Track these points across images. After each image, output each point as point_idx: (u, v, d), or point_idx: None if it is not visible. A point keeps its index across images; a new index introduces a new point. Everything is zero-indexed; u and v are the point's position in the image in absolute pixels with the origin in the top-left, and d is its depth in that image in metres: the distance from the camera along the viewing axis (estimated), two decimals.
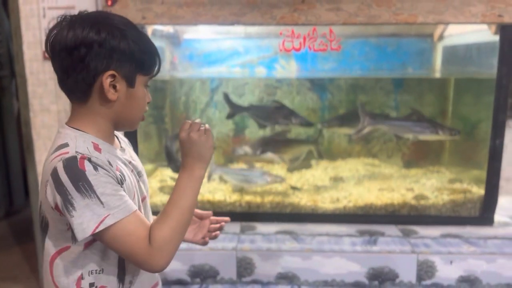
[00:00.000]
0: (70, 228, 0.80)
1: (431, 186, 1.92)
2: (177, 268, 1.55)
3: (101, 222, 0.77)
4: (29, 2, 2.30)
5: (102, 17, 0.90)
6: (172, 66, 2.08)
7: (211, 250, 1.56)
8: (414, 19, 1.59)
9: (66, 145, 0.83)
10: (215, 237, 1.14)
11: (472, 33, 1.86)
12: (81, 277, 0.85)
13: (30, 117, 2.45)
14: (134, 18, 1.61)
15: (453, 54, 2.04)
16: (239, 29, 1.94)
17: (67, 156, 0.80)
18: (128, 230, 0.80)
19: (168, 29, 1.99)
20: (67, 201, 0.78)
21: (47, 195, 0.80)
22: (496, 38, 1.62)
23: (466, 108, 1.93)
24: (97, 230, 0.77)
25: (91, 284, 0.86)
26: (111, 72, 0.84)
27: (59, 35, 0.85)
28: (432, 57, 2.12)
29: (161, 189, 1.91)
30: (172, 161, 1.94)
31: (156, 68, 0.95)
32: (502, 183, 2.30)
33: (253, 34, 2.02)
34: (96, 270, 0.86)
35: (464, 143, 1.95)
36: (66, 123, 0.89)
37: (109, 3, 2.21)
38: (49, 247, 0.86)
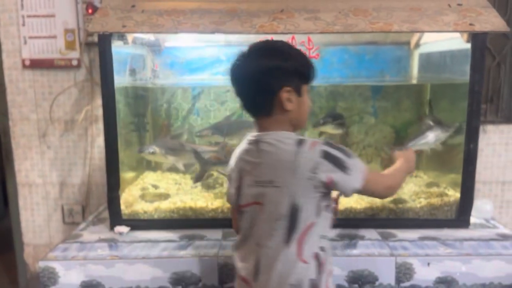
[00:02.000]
0: (324, 200, 1.12)
1: (409, 190, 1.96)
2: (158, 275, 1.55)
3: (364, 173, 1.13)
4: (8, 10, 2.29)
5: (269, 46, 1.19)
6: (153, 73, 2.09)
7: (192, 257, 1.56)
8: (389, 28, 1.63)
9: (302, 138, 1.11)
10: None
11: (446, 41, 1.93)
12: (318, 244, 1.14)
13: (9, 126, 2.42)
14: (114, 26, 1.61)
15: (429, 61, 2.11)
16: (220, 37, 1.97)
17: (318, 140, 1.11)
18: (373, 176, 1.18)
19: (149, 37, 2.00)
20: (344, 168, 1.09)
21: (318, 175, 1.07)
22: (468, 46, 1.67)
23: (442, 113, 1.98)
24: (364, 180, 1.12)
25: (322, 248, 1.15)
26: (286, 88, 1.11)
27: (243, 67, 1.17)
28: (409, 64, 2.19)
29: (142, 197, 1.91)
30: (202, 162, 1.97)
31: (313, 76, 1.19)
32: (479, 186, 2.38)
33: (235, 42, 2.04)
34: (324, 235, 1.17)
35: (441, 147, 2.00)
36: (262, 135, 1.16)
37: (90, 11, 2.22)
38: (298, 230, 1.11)
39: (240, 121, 2.15)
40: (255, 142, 1.16)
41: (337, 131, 2.06)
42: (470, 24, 1.65)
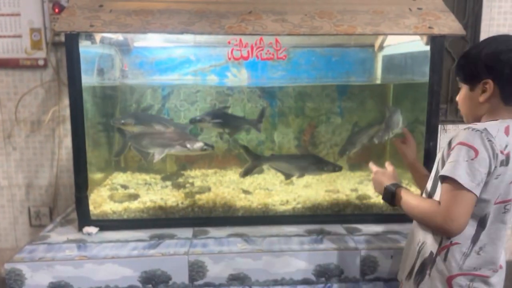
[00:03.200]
0: None
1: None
2: (128, 274, 1.55)
3: None
4: None
5: None
6: (122, 73, 2.09)
7: (163, 256, 1.57)
8: (353, 30, 1.69)
9: None
10: None
11: (407, 43, 2.01)
12: None
13: None
14: (82, 26, 1.61)
15: (392, 63, 2.19)
16: (189, 37, 1.99)
17: None
18: None
19: (118, 36, 1.99)
20: None
21: None
22: (428, 48, 1.75)
23: (404, 112, 2.06)
24: None
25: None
26: None
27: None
28: (373, 66, 2.27)
29: (111, 197, 1.90)
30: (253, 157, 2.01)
31: None
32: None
33: (204, 43, 2.06)
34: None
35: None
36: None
37: (56, 10, 2.20)
38: None
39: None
40: None
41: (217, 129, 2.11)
42: (429, 27, 1.73)
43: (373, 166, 1.46)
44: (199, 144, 1.90)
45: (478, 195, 1.10)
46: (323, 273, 1.60)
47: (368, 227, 1.78)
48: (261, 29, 1.68)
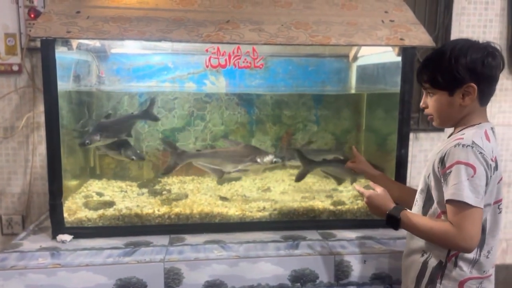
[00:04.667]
0: None
1: (347, 193, 2.08)
2: (102, 282, 1.53)
3: None
4: None
5: None
6: (99, 80, 2.08)
7: (138, 263, 1.56)
8: (327, 41, 1.74)
9: None
10: None
11: (380, 54, 2.08)
12: None
13: None
14: (58, 31, 1.60)
15: (365, 73, 2.26)
16: (168, 45, 2.00)
17: None
18: None
19: (95, 43, 1.99)
20: None
21: None
22: (399, 59, 1.82)
23: (377, 121, 2.12)
24: None
25: None
26: None
27: None
28: (348, 76, 2.33)
29: (86, 205, 1.88)
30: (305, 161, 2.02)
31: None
32: None
33: (182, 51, 2.08)
34: None
35: (376, 153, 2.14)
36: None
37: (32, 16, 2.18)
38: None
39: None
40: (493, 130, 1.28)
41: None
42: (401, 39, 1.79)
43: (360, 189, 1.46)
44: (269, 158, 1.93)
45: (483, 207, 1.18)
46: (298, 278, 1.62)
47: (343, 232, 1.82)
48: (238, 38, 1.71)
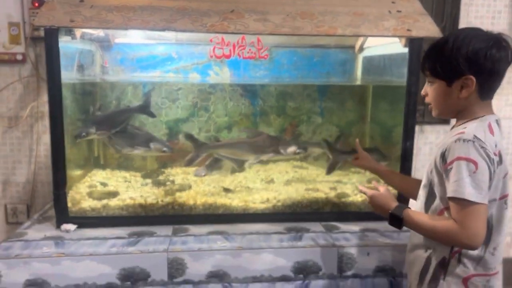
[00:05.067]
0: None
1: (351, 185, 2.07)
2: (106, 272, 1.54)
3: None
4: None
5: None
6: (102, 70, 2.07)
7: (141, 253, 1.57)
8: (333, 31, 1.72)
9: None
10: None
11: (387, 45, 2.05)
12: None
13: None
14: (62, 21, 1.59)
15: (371, 64, 2.23)
16: (171, 35, 1.98)
17: None
18: None
19: (99, 32, 1.98)
20: None
21: None
22: (406, 50, 1.79)
23: (382, 113, 2.11)
24: None
25: None
26: None
27: None
28: (354, 67, 2.30)
29: (90, 195, 1.89)
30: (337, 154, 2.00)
31: None
32: None
33: (185, 40, 2.06)
34: None
35: (381, 146, 2.12)
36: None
37: (36, 5, 2.16)
38: None
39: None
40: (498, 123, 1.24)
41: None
42: (408, 30, 1.77)
43: (363, 189, 1.46)
44: (292, 148, 1.93)
45: (487, 203, 1.13)
46: (301, 270, 1.62)
47: (346, 225, 1.81)
48: (243, 28, 1.69)
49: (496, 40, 1.17)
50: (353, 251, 1.64)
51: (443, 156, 1.18)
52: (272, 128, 2.37)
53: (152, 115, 2.10)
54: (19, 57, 2.22)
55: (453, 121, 1.35)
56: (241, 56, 1.82)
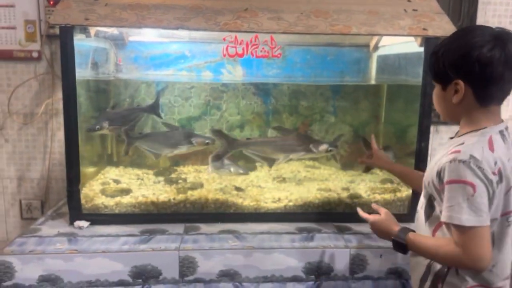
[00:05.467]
0: None
1: (364, 186, 2.05)
2: (118, 269, 1.55)
3: None
4: None
5: None
6: (116, 67, 2.08)
7: (153, 251, 1.58)
8: (348, 30, 1.70)
9: None
10: None
11: (402, 44, 2.02)
12: None
13: None
14: (76, 19, 1.60)
15: (386, 63, 2.20)
16: (184, 33, 1.98)
17: None
18: None
19: (113, 30, 1.99)
20: None
21: None
22: (421, 49, 1.76)
23: (397, 113, 2.08)
24: None
25: None
26: None
27: None
28: (368, 66, 2.28)
29: (103, 192, 1.90)
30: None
31: None
32: None
33: (199, 39, 2.06)
34: None
35: (396, 146, 2.10)
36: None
37: (51, 3, 2.18)
38: None
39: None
40: (503, 134, 1.13)
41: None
42: (424, 29, 1.74)
43: (365, 215, 1.40)
44: (324, 146, 1.93)
45: (489, 223, 1.06)
46: (313, 270, 1.61)
47: (359, 226, 1.79)
48: (256, 27, 1.68)
49: (493, 39, 1.05)
50: (365, 252, 1.62)
51: (439, 175, 1.10)
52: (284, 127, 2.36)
53: (159, 116, 2.12)
54: (35, 55, 2.24)
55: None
56: (254, 55, 1.81)
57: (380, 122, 2.30)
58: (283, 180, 2.16)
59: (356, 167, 2.13)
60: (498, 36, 1.06)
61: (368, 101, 2.33)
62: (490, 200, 1.08)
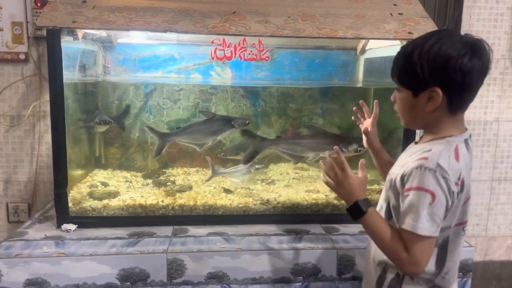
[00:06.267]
0: None
1: None
2: (106, 272, 1.55)
3: None
4: None
5: None
6: (104, 70, 2.08)
7: (141, 254, 1.57)
8: (334, 34, 1.72)
9: None
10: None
11: (388, 47, 2.04)
12: None
13: None
14: (64, 21, 1.60)
15: (373, 66, 2.23)
16: (173, 36, 1.98)
17: None
18: None
19: (101, 33, 1.98)
20: None
21: None
22: None
23: (383, 115, 2.09)
24: None
25: None
26: None
27: None
28: (356, 69, 2.30)
29: (91, 195, 1.89)
30: None
31: None
32: None
33: (187, 41, 2.07)
34: None
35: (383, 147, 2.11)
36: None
37: (38, 5, 2.17)
38: None
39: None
40: (467, 142, 1.14)
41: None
42: (409, 33, 1.77)
43: (345, 164, 1.22)
44: (354, 146, 1.93)
45: (438, 235, 1.08)
46: (300, 271, 1.62)
47: (346, 227, 1.81)
48: (244, 30, 1.70)
49: (470, 48, 1.05)
50: (352, 253, 1.64)
51: (402, 179, 1.10)
52: (273, 129, 2.37)
53: (123, 128, 2.18)
54: (22, 57, 2.23)
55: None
56: (242, 58, 1.82)
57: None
58: (272, 182, 2.17)
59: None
60: (474, 45, 1.06)
61: (355, 103, 2.35)
62: (447, 210, 1.08)
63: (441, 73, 1.05)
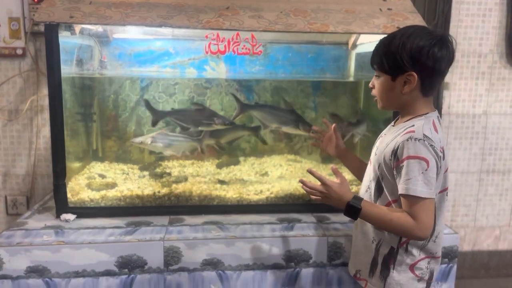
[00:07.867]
0: None
1: None
2: (104, 259, 1.60)
3: None
4: None
5: None
6: (101, 64, 2.12)
7: (139, 242, 1.63)
8: (325, 28, 1.77)
9: None
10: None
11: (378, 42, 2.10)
12: None
13: None
14: (61, 16, 1.64)
15: (364, 61, 2.28)
16: (168, 30, 2.03)
17: None
18: None
19: (98, 28, 2.02)
20: None
21: None
22: None
23: (373, 108, 2.15)
24: None
25: None
26: None
27: None
28: (347, 63, 2.35)
29: (89, 186, 1.94)
30: None
31: None
32: None
33: (182, 36, 2.11)
34: None
35: (373, 139, 2.17)
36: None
37: (35, 0, 2.20)
38: None
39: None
40: (439, 119, 1.31)
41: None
42: (397, 28, 1.82)
43: (321, 176, 1.34)
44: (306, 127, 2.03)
45: (435, 197, 1.23)
46: (292, 258, 1.68)
47: (337, 216, 1.87)
48: (237, 25, 1.74)
49: (440, 39, 1.23)
50: (342, 240, 1.70)
51: (395, 154, 1.23)
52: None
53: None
54: (19, 52, 2.27)
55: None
56: (236, 52, 1.87)
57: (358, 116, 2.38)
58: (266, 173, 2.22)
59: (336, 161, 2.20)
60: (442, 37, 1.25)
61: (347, 97, 2.41)
62: (438, 174, 1.22)
63: (416, 59, 1.22)
